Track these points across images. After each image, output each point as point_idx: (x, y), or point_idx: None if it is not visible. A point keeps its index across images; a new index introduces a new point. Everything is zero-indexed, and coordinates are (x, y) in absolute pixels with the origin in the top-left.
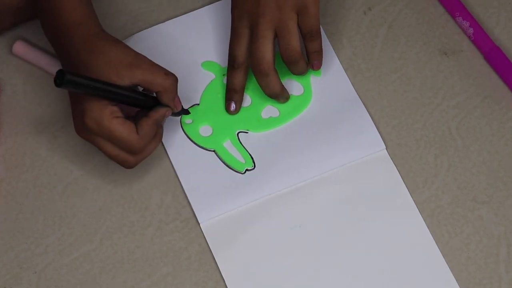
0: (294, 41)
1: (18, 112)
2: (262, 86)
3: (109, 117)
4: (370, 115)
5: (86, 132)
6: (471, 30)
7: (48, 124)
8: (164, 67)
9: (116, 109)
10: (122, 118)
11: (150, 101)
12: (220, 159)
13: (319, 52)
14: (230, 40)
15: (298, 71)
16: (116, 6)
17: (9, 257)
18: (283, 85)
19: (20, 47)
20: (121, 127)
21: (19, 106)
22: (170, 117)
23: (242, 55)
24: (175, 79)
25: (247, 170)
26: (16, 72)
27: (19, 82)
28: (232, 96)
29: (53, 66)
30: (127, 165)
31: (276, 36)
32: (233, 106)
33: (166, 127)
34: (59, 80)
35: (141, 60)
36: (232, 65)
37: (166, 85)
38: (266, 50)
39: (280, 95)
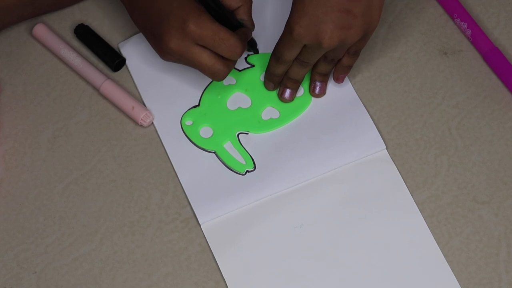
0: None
1: (18, 112)
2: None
3: (211, 20)
4: (370, 115)
5: (183, 42)
6: (469, 32)
7: (48, 124)
8: (164, 67)
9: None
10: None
11: (234, 21)
12: (221, 160)
13: (350, 68)
14: (283, 42)
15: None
16: (117, 6)
17: (9, 257)
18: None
19: (40, 30)
20: (223, 28)
21: (19, 106)
22: (169, 119)
23: (290, 58)
24: None
25: (247, 171)
26: (16, 72)
27: (19, 82)
28: (280, 83)
29: (70, 52)
30: (221, 75)
31: None
32: (271, 85)
33: (166, 127)
34: None
35: None
36: (277, 60)
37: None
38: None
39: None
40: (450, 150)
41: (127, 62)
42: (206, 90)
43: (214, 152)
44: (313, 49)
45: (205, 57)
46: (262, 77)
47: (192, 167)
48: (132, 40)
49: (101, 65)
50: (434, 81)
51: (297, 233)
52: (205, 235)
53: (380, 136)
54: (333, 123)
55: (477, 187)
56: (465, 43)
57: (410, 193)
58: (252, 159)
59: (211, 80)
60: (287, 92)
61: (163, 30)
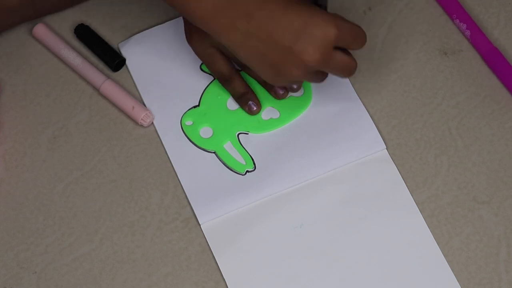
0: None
1: (18, 112)
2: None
3: (341, 18)
4: (370, 115)
5: (329, 50)
6: (468, 32)
7: (48, 124)
8: (164, 68)
9: None
10: None
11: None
12: (221, 160)
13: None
14: (207, 63)
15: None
16: (116, 6)
17: (9, 257)
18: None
19: (40, 30)
20: (352, 23)
21: (19, 106)
22: (169, 119)
23: (227, 69)
24: None
25: (247, 171)
26: (16, 72)
27: (19, 82)
28: (246, 98)
29: (70, 52)
30: (355, 69)
31: None
32: (253, 106)
33: (166, 127)
34: None
35: None
36: (224, 80)
37: None
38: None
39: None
40: (450, 150)
41: (127, 62)
42: (206, 90)
43: (214, 152)
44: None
45: (343, 58)
46: None
47: (192, 167)
48: (132, 40)
49: (101, 65)
50: (434, 81)
51: (297, 233)
52: (205, 235)
53: (380, 136)
54: (333, 123)
55: (477, 187)
56: (465, 43)
57: (410, 193)
58: (252, 159)
59: (211, 80)
60: (279, 90)
61: (305, 44)
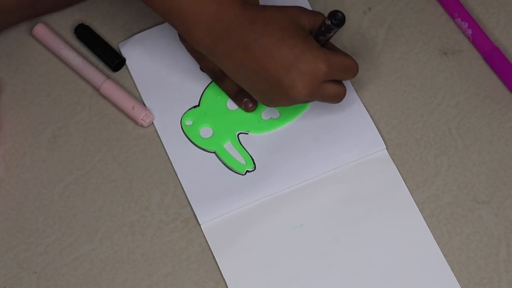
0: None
1: (18, 112)
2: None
3: (331, 52)
4: (370, 115)
5: (316, 85)
6: (469, 31)
7: (48, 124)
8: (164, 68)
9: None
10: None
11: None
12: (221, 160)
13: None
14: (198, 61)
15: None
16: (116, 6)
17: (9, 257)
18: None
19: (40, 30)
20: (340, 54)
21: (19, 106)
22: (169, 119)
23: (218, 67)
24: None
25: (247, 171)
26: (16, 72)
27: (19, 82)
28: (241, 96)
29: (70, 52)
30: (343, 96)
31: None
32: (248, 103)
33: (166, 127)
34: (341, 18)
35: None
36: (216, 78)
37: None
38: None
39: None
40: (450, 150)
41: (127, 62)
42: (206, 90)
43: (214, 152)
44: None
45: (331, 89)
46: None
47: (192, 167)
48: (132, 40)
49: (101, 65)
50: (434, 81)
51: (297, 233)
52: (205, 235)
53: (380, 136)
54: (333, 123)
55: (477, 187)
56: (465, 43)
57: (410, 193)
58: (252, 159)
59: (211, 80)
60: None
61: (294, 79)
